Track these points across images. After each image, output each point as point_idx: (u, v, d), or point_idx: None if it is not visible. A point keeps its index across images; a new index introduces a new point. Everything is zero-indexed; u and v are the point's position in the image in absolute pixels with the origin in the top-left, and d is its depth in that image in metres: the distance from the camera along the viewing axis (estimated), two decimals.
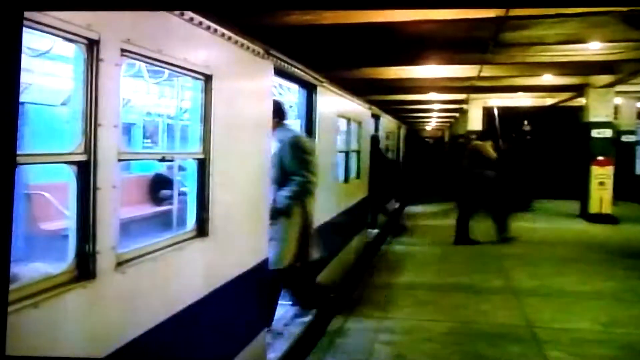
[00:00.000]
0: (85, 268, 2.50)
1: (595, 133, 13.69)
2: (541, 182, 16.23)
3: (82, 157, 2.48)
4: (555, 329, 6.01)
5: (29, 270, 2.91)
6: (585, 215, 13.78)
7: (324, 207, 6.60)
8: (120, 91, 2.75)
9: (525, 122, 19.02)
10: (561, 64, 9.69)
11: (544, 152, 17.95)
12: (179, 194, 6.97)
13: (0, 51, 2.06)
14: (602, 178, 13.68)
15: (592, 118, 13.74)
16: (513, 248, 10.38)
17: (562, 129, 15.52)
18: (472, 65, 10.12)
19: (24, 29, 2.68)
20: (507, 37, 8.19)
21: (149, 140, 10.93)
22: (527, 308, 6.72)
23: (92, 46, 2.49)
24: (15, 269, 2.94)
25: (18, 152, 2.84)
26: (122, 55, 2.69)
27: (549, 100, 16.99)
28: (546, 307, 6.76)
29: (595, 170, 13.70)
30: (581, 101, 14.40)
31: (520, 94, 16.07)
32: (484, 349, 5.51)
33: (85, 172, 2.49)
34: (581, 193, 14.06)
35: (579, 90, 14.09)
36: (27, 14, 2.18)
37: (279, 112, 5.09)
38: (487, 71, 10.55)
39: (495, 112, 17.71)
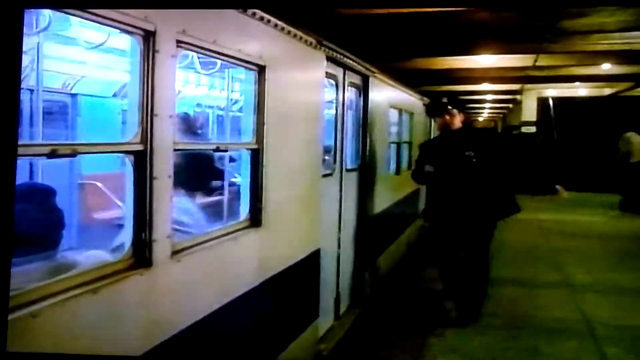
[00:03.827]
0: (142, 256, 2.53)
1: None
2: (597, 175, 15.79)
3: (139, 147, 2.50)
4: (614, 325, 5.83)
5: (85, 257, 2.96)
6: None
7: (375, 199, 6.56)
8: (175, 82, 2.77)
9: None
10: (621, 52, 9.33)
11: (601, 145, 17.39)
12: (229, 185, 7.02)
13: (1, 48, 2.08)
14: None
15: None
16: (567, 242, 10.15)
17: (623, 120, 15.01)
18: (527, 54, 9.86)
19: (82, 20, 2.71)
20: (565, 25, 7.93)
21: (199, 131, 11.04)
22: (583, 303, 6.56)
23: (149, 37, 2.51)
24: (73, 256, 3.02)
25: (77, 142, 2.90)
26: (178, 46, 2.70)
27: (607, 90, 16.48)
28: (603, 303, 6.57)
29: None
30: None
31: (577, 84, 15.61)
32: (540, 344, 5.39)
33: (142, 161, 2.52)
34: None
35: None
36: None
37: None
38: (543, 61, 10.27)
39: (551, 102, 17.27)
